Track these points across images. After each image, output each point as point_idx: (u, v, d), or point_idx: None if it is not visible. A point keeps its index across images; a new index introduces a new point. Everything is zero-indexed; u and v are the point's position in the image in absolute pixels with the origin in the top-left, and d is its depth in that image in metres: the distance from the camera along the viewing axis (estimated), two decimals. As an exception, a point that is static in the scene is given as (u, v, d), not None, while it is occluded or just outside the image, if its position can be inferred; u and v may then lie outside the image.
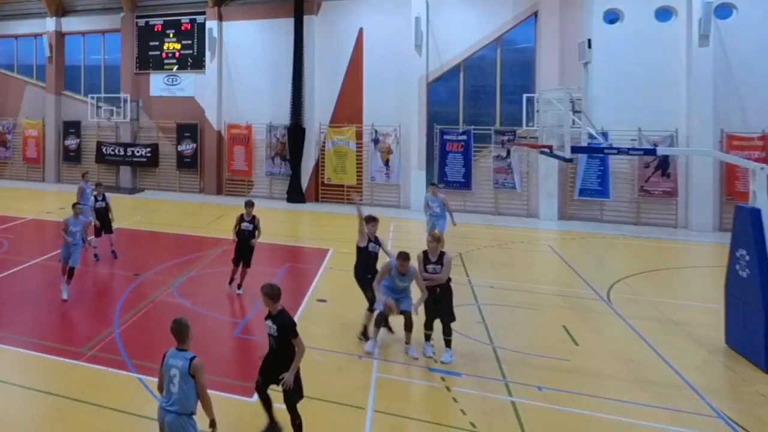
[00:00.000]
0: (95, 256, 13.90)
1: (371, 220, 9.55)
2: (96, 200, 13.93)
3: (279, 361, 6.20)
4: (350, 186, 22.69)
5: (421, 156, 21.36)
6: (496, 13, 20.74)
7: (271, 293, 6.22)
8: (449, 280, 8.74)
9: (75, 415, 6.98)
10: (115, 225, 16.18)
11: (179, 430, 5.20)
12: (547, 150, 12.16)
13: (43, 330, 9.54)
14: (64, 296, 10.96)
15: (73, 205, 11.79)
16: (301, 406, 7.09)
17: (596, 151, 14.67)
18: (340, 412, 7.10)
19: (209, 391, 5.39)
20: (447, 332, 8.62)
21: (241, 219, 11.62)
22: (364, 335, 9.15)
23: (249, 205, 11.74)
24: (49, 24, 27.94)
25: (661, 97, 18.58)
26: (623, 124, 18.48)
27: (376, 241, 9.52)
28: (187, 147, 25.36)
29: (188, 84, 25.68)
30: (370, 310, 9.12)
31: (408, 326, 8.64)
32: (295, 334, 6.10)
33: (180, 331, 5.46)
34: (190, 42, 25.64)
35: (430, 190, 14.38)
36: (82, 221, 11.79)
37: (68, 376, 7.96)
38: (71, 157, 27.72)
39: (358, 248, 9.54)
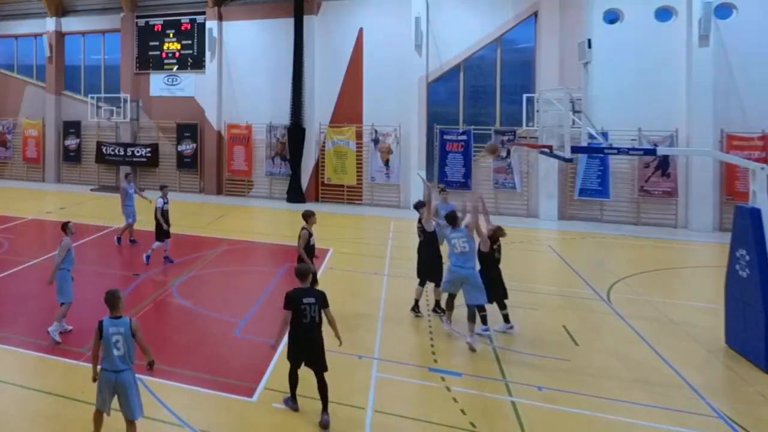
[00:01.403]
0: (168, 259, 13.70)
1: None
2: (164, 202, 13.79)
3: None
4: (350, 186, 22.69)
5: (421, 156, 21.36)
6: (496, 13, 20.74)
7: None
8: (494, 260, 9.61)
9: (75, 415, 6.97)
10: (115, 225, 16.25)
11: (132, 381, 5.96)
12: (547, 150, 12.15)
13: (42, 330, 9.51)
14: (59, 339, 9.11)
15: (65, 225, 9.81)
16: (300, 405, 7.15)
17: (596, 151, 14.66)
18: (340, 412, 7.09)
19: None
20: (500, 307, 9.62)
21: (310, 234, 10.02)
22: (417, 309, 10.38)
23: (313, 214, 10.29)
24: (49, 24, 27.94)
25: (661, 97, 18.58)
26: (623, 124, 18.47)
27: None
28: (187, 147, 25.36)
29: (188, 84, 25.68)
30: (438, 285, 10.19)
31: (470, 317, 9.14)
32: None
33: (114, 301, 6.08)
34: (190, 42, 25.64)
35: (441, 196, 12.46)
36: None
37: (68, 376, 7.96)
38: (71, 157, 27.72)
39: (427, 233, 10.46)
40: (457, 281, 9.23)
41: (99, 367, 6.04)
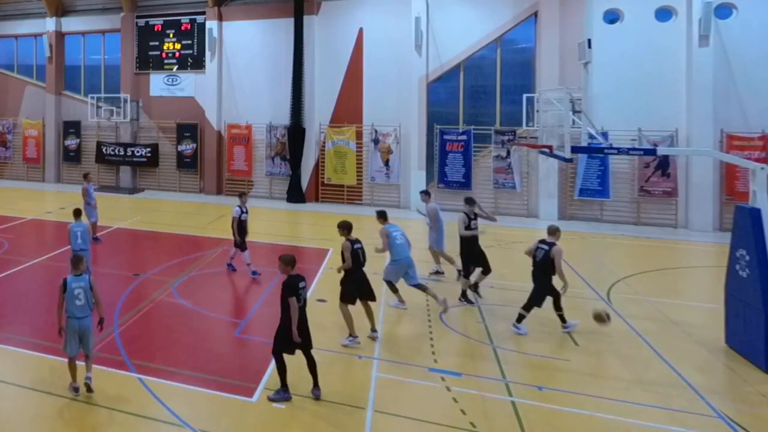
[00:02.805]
0: (255, 273, 12.60)
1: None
2: (242, 211, 12.86)
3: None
4: (350, 186, 22.69)
5: (421, 156, 21.35)
6: (496, 13, 20.73)
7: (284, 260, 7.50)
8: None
9: (75, 415, 6.98)
10: (115, 225, 16.24)
11: (91, 326, 7.37)
12: (547, 150, 12.15)
13: (43, 330, 9.52)
14: None
15: (77, 210, 12.10)
16: (300, 406, 7.16)
17: (596, 151, 14.65)
18: (340, 412, 7.10)
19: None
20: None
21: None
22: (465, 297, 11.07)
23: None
24: (49, 24, 27.93)
25: (661, 97, 18.57)
26: (623, 124, 18.46)
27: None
28: (187, 147, 25.36)
29: (188, 84, 25.67)
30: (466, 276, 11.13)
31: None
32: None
33: (77, 262, 7.49)
34: (190, 42, 25.63)
35: (422, 198, 13.22)
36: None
37: (68, 376, 7.94)
38: (71, 157, 27.71)
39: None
40: (403, 269, 10.07)
41: (65, 316, 7.35)
